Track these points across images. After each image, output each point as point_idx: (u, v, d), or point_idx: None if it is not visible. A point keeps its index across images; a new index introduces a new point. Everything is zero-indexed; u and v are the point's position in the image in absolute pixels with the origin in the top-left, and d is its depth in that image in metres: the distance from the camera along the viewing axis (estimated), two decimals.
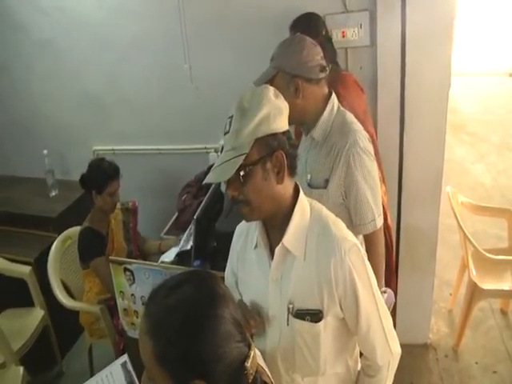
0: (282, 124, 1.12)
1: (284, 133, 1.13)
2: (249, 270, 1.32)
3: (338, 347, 1.28)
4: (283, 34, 2.08)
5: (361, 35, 2.37)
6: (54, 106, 3.25)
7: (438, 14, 2.17)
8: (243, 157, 1.08)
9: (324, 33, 2.17)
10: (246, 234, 1.33)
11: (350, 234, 1.21)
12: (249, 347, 0.92)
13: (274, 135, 1.10)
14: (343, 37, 2.39)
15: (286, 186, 1.17)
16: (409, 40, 2.24)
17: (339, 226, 1.20)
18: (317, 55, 1.57)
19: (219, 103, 2.66)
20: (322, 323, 1.19)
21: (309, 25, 2.11)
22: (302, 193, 1.21)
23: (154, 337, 0.85)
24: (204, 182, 1.15)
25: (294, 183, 1.21)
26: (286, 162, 1.12)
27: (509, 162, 5.19)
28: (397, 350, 1.29)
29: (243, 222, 1.36)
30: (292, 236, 1.17)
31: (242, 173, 1.09)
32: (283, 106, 1.14)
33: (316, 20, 2.18)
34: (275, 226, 1.20)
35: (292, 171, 1.17)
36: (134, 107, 3.05)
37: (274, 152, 1.11)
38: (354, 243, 1.17)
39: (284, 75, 1.56)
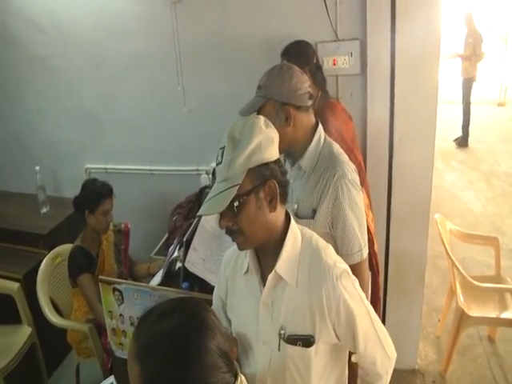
0: (273, 153, 1.14)
1: (275, 161, 1.15)
2: (238, 296, 1.33)
3: (329, 370, 1.29)
4: (275, 60, 2.12)
5: (351, 63, 2.43)
6: (48, 123, 3.28)
7: (425, 43, 2.23)
8: (237, 187, 1.09)
9: (315, 60, 2.20)
10: (235, 260, 1.34)
11: (339, 260, 1.22)
12: (235, 377, 0.93)
13: (266, 164, 1.12)
14: (334, 65, 2.44)
15: (278, 214, 1.19)
16: (398, 68, 2.30)
17: (329, 253, 1.22)
18: (305, 83, 1.59)
19: (211, 126, 2.72)
20: (313, 348, 1.20)
21: (299, 52, 2.15)
22: (292, 220, 1.23)
23: (141, 361, 0.86)
24: (198, 215, 1.16)
25: (285, 210, 1.23)
26: (278, 191, 1.14)
27: (497, 190, 5.27)
28: (394, 354, 1.31)
29: (231, 248, 1.37)
30: (284, 263, 1.18)
31: (235, 203, 1.10)
32: (274, 135, 1.16)
33: (306, 48, 2.22)
34: (267, 252, 1.22)
35: (284, 199, 1.19)
36: (127, 127, 3.08)
37: (267, 181, 1.13)
38: (344, 269, 1.19)
39: (274, 104, 1.56)
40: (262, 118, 1.17)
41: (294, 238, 1.21)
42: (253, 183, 1.11)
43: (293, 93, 1.57)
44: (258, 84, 1.62)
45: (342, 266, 1.20)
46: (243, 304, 1.31)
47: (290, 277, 1.19)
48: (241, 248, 1.21)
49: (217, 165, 1.14)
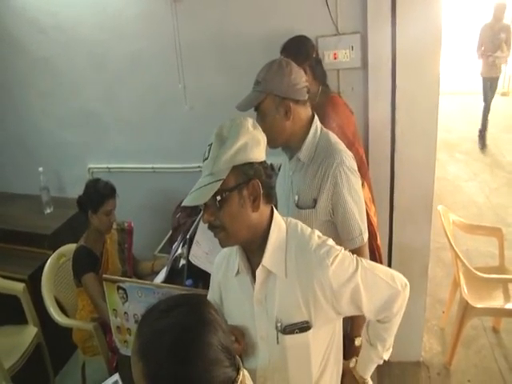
0: (258, 154, 1.17)
1: (261, 163, 1.18)
2: (233, 298, 1.34)
3: (327, 354, 1.31)
4: (275, 56, 2.11)
5: (352, 57, 2.42)
6: (50, 124, 3.29)
7: (426, 36, 2.22)
8: (220, 182, 1.12)
9: (314, 55, 2.20)
10: (227, 263, 1.36)
11: (324, 239, 1.23)
12: (237, 371, 0.93)
13: (251, 164, 1.15)
14: (335, 59, 2.43)
15: (263, 213, 1.20)
16: (399, 61, 2.29)
17: (314, 236, 1.23)
18: (302, 77, 1.62)
19: (213, 123, 2.68)
20: (310, 332, 1.22)
21: (298, 48, 2.15)
22: (276, 212, 1.25)
23: (143, 357, 0.87)
24: (182, 205, 1.18)
25: (271, 207, 1.24)
26: (261, 191, 1.16)
27: (501, 181, 5.26)
28: (403, 283, 1.30)
29: (222, 252, 1.39)
30: (271, 256, 1.20)
31: (218, 198, 1.12)
32: (261, 137, 1.19)
33: (306, 43, 2.21)
34: (254, 249, 1.23)
35: (268, 199, 1.21)
36: (129, 126, 3.08)
37: (251, 180, 1.15)
38: (329, 246, 1.20)
39: (274, 98, 1.59)
40: (250, 120, 1.20)
41: (278, 230, 1.22)
42: (236, 181, 1.14)
43: (292, 87, 1.59)
44: (255, 79, 1.64)
45: (328, 243, 1.22)
46: (238, 305, 1.32)
47: (278, 269, 1.20)
48: (222, 244, 1.22)
49: (203, 160, 1.17)
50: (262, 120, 1.60)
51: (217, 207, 1.14)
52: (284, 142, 1.67)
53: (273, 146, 1.69)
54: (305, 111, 1.66)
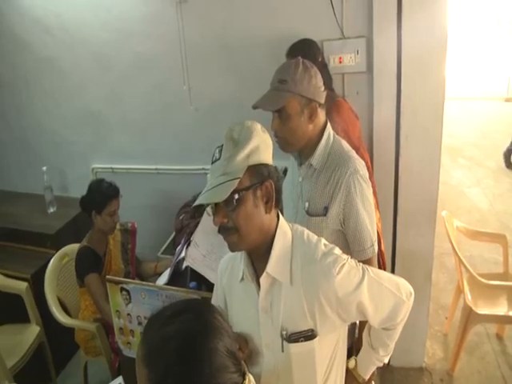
0: (269, 157, 1.17)
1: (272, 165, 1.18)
2: (237, 304, 1.33)
3: (332, 362, 1.30)
4: (281, 58, 2.12)
5: (357, 61, 2.42)
6: (55, 123, 3.31)
7: (432, 40, 2.22)
8: (237, 181, 1.10)
9: (320, 59, 2.20)
10: (231, 269, 1.34)
11: (331, 248, 1.22)
12: (243, 376, 0.93)
13: (265, 165, 1.15)
14: (340, 62, 2.43)
15: (272, 217, 1.20)
16: (404, 66, 2.29)
17: (320, 245, 1.21)
18: (321, 81, 1.60)
19: (217, 125, 2.70)
20: (316, 340, 1.21)
21: (305, 51, 2.12)
22: (282, 218, 1.24)
23: (149, 364, 0.86)
24: (194, 205, 1.15)
25: (277, 213, 1.24)
26: (274, 192, 1.16)
27: (505, 187, 5.23)
28: (408, 293, 1.29)
29: (226, 256, 1.38)
30: (275, 263, 1.18)
31: (236, 196, 1.10)
32: (269, 141, 1.19)
33: (312, 46, 2.21)
34: (259, 255, 1.22)
35: (277, 203, 1.20)
36: (133, 127, 3.09)
37: (265, 181, 1.14)
38: (336, 255, 1.19)
39: (301, 99, 1.54)
40: (258, 124, 1.19)
41: (284, 237, 1.21)
42: (251, 181, 1.13)
43: (318, 90, 1.56)
44: (278, 78, 1.58)
45: (335, 252, 1.20)
46: (243, 311, 1.31)
47: (282, 276, 1.19)
48: (233, 248, 1.20)
49: (213, 162, 1.15)
50: (284, 122, 1.56)
51: (232, 207, 1.12)
52: (302, 145, 1.63)
53: (289, 150, 1.67)
54: (323, 116, 1.63)
